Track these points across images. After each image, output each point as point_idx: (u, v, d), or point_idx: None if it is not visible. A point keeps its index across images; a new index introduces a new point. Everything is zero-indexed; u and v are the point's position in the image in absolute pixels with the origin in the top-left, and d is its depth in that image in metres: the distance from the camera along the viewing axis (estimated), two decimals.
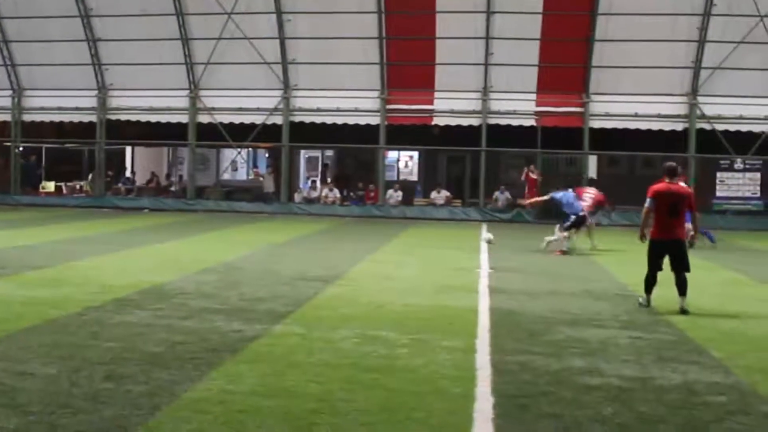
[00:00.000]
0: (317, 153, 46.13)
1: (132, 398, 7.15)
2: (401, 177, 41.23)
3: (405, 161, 43.46)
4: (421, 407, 7.21)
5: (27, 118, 38.46)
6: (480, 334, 10.40)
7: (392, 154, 41.19)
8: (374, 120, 35.02)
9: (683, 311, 12.29)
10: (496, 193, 35.37)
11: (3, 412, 6.71)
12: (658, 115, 33.20)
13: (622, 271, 16.82)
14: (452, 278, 15.85)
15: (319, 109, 35.14)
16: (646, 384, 8.21)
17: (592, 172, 34.66)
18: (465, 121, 34.62)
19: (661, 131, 33.37)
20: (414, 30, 33.76)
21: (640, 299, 12.95)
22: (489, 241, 21.03)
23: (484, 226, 29.06)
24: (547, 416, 7.09)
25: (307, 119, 35.57)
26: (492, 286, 14.62)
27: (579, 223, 21.16)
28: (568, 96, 33.88)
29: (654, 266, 12.70)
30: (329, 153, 45.44)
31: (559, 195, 21.62)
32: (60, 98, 37.08)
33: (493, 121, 34.24)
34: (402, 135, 35.53)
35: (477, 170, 35.03)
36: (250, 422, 6.69)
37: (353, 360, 8.81)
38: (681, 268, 12.51)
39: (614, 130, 33.77)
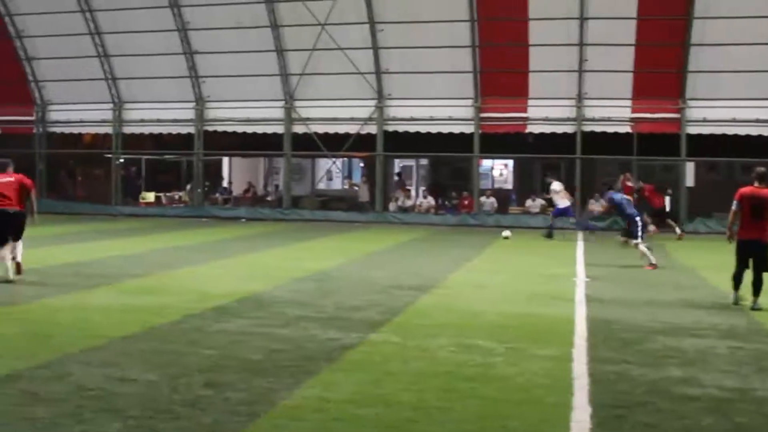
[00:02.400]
0: (411, 162, 46.24)
1: (230, 405, 7.25)
2: (496, 185, 41.06)
3: (499, 169, 43.29)
4: (517, 416, 7.18)
5: (127, 130, 39.30)
6: (576, 342, 10.30)
7: (486, 163, 41.06)
8: (468, 128, 34.92)
9: (754, 309, 12.86)
10: (592, 201, 34.97)
11: (105, 416, 6.87)
12: (757, 120, 32.46)
13: (720, 279, 16.46)
14: (547, 287, 15.73)
15: (412, 118, 35.19)
16: (745, 395, 8.04)
17: (689, 178, 34.05)
18: (559, 129, 34.30)
19: (760, 136, 32.63)
20: (506, 37, 33.55)
21: (731, 296, 13.58)
22: (506, 237, 20.49)
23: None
24: (644, 426, 7.00)
25: (401, 128, 35.65)
26: (588, 295, 14.47)
27: (644, 225, 20.41)
28: (664, 102, 33.31)
29: (740, 264, 13.39)
30: (423, 162, 45.53)
31: (618, 197, 20.46)
32: (159, 111, 37.83)
33: (587, 128, 33.87)
34: (496, 143, 35.38)
35: (572, 178, 34.69)
36: (346, 430, 6.75)
37: (449, 368, 8.80)
38: (760, 268, 13.08)
39: (711, 135, 33.12)
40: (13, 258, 15.26)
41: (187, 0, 35.42)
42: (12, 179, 16.36)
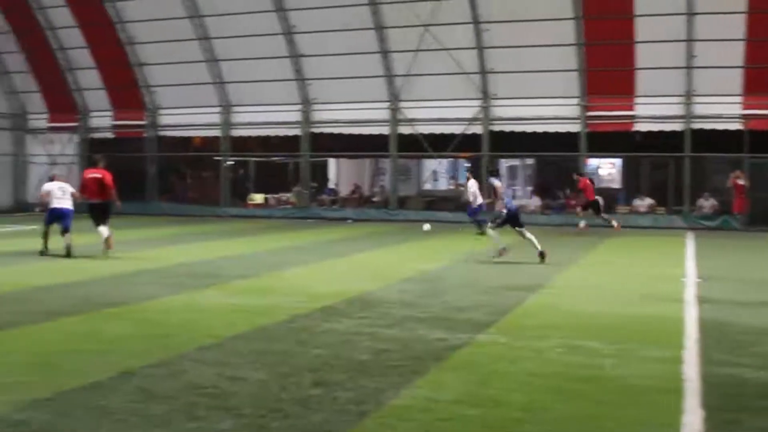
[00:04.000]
0: (517, 162, 45.99)
1: (339, 404, 7.32)
2: (603, 184, 40.56)
3: (606, 168, 42.77)
4: (626, 418, 7.10)
5: (235, 133, 39.99)
6: (687, 344, 10.11)
7: (592, 162, 40.61)
8: (574, 128, 34.61)
9: None
10: (701, 200, 34.32)
11: (217, 413, 7.01)
12: None
13: None
14: (657, 287, 15.48)
15: (518, 118, 34.99)
16: None
17: None
18: (667, 127, 33.76)
19: None
20: (612, 35, 33.13)
21: None
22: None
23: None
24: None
25: (507, 128, 35.49)
26: (699, 296, 14.20)
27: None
28: None
29: None
30: (529, 162, 45.26)
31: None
32: (266, 113, 38.37)
33: (697, 125, 33.24)
34: (603, 142, 34.95)
35: (681, 176, 34.09)
36: (454, 430, 6.75)
37: (557, 369, 8.74)
38: None
39: None
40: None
41: (293, 4, 35.84)
42: (99, 175, 20.61)
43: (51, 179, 21.92)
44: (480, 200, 28.42)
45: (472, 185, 29.23)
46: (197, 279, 15.90)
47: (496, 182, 20.91)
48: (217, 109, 39.66)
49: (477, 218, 28.34)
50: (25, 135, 44.52)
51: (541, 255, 19.25)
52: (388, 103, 36.65)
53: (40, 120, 44.11)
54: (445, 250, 23.31)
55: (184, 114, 40.12)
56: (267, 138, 40.91)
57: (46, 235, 20.47)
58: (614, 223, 28.89)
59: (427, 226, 25.78)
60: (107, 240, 20.04)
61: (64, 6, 39.56)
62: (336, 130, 38.16)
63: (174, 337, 10.29)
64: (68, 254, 19.71)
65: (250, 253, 21.53)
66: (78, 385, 7.83)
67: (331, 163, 46.15)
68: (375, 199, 41.53)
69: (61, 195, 20.66)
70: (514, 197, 37.27)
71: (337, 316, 11.74)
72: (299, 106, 38.12)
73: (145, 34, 38.99)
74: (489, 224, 20.47)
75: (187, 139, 43.21)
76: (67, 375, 8.22)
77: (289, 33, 36.54)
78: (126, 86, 40.93)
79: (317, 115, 38.24)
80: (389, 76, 36.23)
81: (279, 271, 17.65)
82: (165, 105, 40.88)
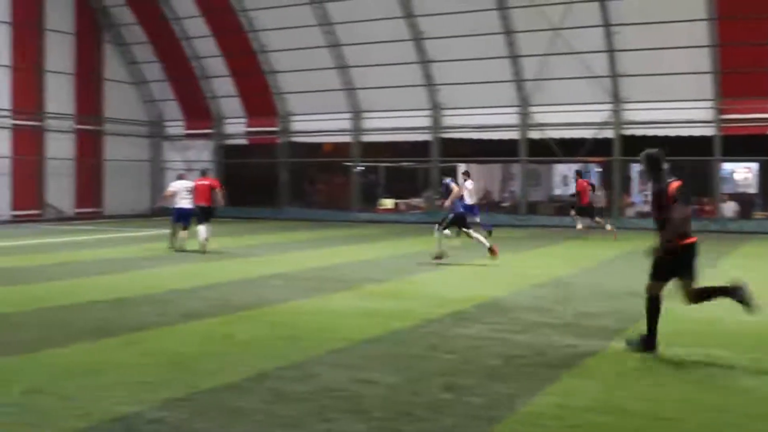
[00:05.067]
0: None
1: (470, 409, 7.32)
2: (738, 189, 39.51)
3: (742, 173, 41.66)
4: (758, 431, 6.94)
5: (365, 138, 40.34)
6: None
7: (727, 166, 39.61)
8: (708, 131, 33.82)
9: None
10: None
11: (349, 417, 7.08)
12: None
13: None
14: None
15: (650, 122, 34.36)
16: None
17: None
18: None
19: None
20: (748, 35, 32.20)
21: None
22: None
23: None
24: None
25: (638, 132, 34.86)
26: None
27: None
28: None
29: None
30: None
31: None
32: (396, 119, 38.60)
33: None
34: (738, 145, 34.05)
35: None
36: None
37: (687, 378, 8.59)
38: None
39: None
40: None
41: (421, 10, 35.96)
42: (207, 183, 23.82)
43: (179, 178, 24.58)
44: (470, 200, 29.04)
45: (469, 185, 29.52)
46: (329, 282, 16.10)
47: (452, 184, 21.10)
48: (348, 115, 40.08)
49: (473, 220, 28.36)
50: (162, 142, 45.80)
51: (491, 251, 19.97)
52: (517, 108, 36.45)
53: (176, 127, 45.35)
54: (576, 256, 23.04)
55: (315, 120, 40.66)
56: (397, 143, 41.14)
57: (174, 234, 23.15)
58: (608, 227, 28.77)
59: (447, 232, 25.81)
60: (206, 236, 22.68)
61: (199, 16, 40.58)
62: (465, 136, 38.14)
63: (306, 339, 10.44)
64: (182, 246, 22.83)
65: (382, 258, 21.68)
66: (213, 385, 8.02)
67: (461, 168, 46.06)
68: (505, 204, 41.32)
69: (186, 194, 23.26)
70: (646, 202, 36.70)
71: (468, 321, 11.73)
72: (429, 112, 38.23)
73: (277, 42, 39.69)
74: (437, 226, 20.78)
75: (318, 145, 43.76)
76: (202, 375, 8.43)
77: (418, 39, 36.69)
78: (259, 93, 41.74)
79: (447, 121, 38.28)
80: (519, 81, 36.03)
81: (410, 275, 17.72)
82: (297, 111, 41.52)
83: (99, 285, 15.79)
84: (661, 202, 9.89)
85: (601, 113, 34.88)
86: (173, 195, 23.47)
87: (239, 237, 28.46)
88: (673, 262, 9.85)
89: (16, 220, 37.71)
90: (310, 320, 11.90)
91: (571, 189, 44.57)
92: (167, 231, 24.66)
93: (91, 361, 9.08)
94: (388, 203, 42.18)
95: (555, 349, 9.89)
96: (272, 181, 41.80)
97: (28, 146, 39.35)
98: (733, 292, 9.89)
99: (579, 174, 31.07)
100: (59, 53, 40.65)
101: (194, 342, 10.32)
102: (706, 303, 10.22)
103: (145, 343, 10.17)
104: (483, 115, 36.76)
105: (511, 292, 15.01)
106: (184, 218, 23.19)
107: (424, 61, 37.19)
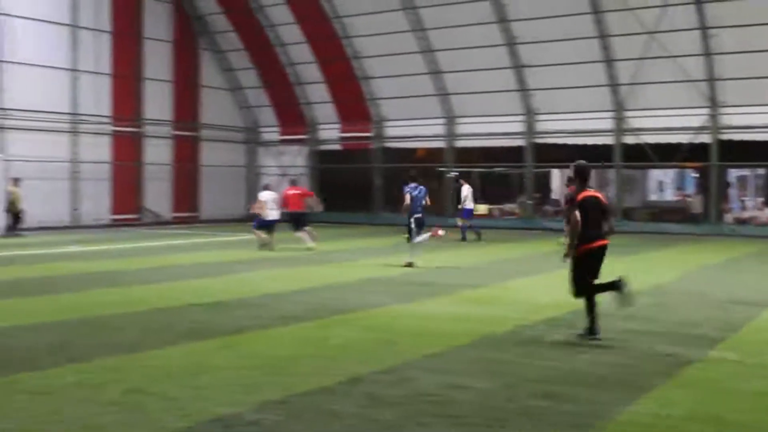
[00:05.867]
0: (747, 172, 44.32)
1: (565, 417, 7.27)
2: None
3: None
4: None
5: (459, 144, 40.29)
6: None
7: None
8: None
9: None
10: None
11: (442, 421, 7.10)
12: None
13: None
14: None
15: (748, 126, 33.64)
16: None
17: None
18: None
19: None
20: None
21: None
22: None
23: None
24: None
25: (736, 137, 34.17)
26: None
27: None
28: None
29: None
30: (761, 171, 43.53)
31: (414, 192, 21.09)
32: (489, 124, 38.47)
33: None
34: None
35: None
36: None
37: None
38: None
39: None
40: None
41: (515, 14, 35.80)
42: (298, 191, 26.08)
43: (266, 188, 26.72)
44: (471, 205, 30.74)
45: (465, 190, 30.69)
46: (424, 287, 16.14)
47: (407, 192, 21.11)
48: (441, 121, 40.09)
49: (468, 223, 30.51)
50: (258, 147, 46.37)
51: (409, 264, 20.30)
52: (612, 113, 36.02)
53: (271, 133, 45.86)
54: (675, 262, 22.72)
55: (409, 126, 40.77)
56: (490, 149, 40.98)
57: (260, 234, 25.18)
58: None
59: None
60: (309, 238, 25.11)
61: (293, 23, 40.99)
62: (559, 141, 37.81)
63: (401, 344, 10.48)
64: (270, 248, 24.80)
65: (476, 263, 21.64)
66: (308, 388, 8.11)
67: (555, 173, 45.76)
68: None
69: (273, 206, 25.27)
70: (743, 208, 36.08)
71: (562, 328, 11.66)
72: (522, 117, 38.02)
73: (371, 47, 39.90)
74: (410, 240, 20.90)
75: (411, 150, 43.80)
76: (298, 378, 8.52)
77: (511, 44, 36.52)
78: (352, 99, 42.00)
79: (540, 126, 38.03)
80: (613, 85, 35.60)
81: (504, 281, 17.67)
82: (390, 117, 41.67)
83: (196, 288, 16.07)
84: (573, 207, 10.93)
85: (697, 117, 34.23)
86: (263, 207, 24.60)
87: (334, 241, 28.64)
88: (589, 263, 11.02)
89: (115, 224, 38.55)
90: (404, 325, 11.95)
91: (668, 195, 44.12)
92: (263, 236, 25.34)
93: (189, 363, 9.26)
94: (481, 209, 42.01)
95: (652, 358, 9.77)
96: (366, 186, 42.01)
97: (127, 152, 40.20)
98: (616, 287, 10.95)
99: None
100: (157, 61, 41.47)
101: (290, 345, 10.45)
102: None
103: (242, 346, 10.32)
104: (577, 120, 36.43)
105: (607, 298, 14.82)
106: (267, 227, 25.25)
107: (518, 66, 37.00)
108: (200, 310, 13.21)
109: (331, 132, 43.93)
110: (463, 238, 29.80)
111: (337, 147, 44.27)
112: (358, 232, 32.29)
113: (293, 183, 27.75)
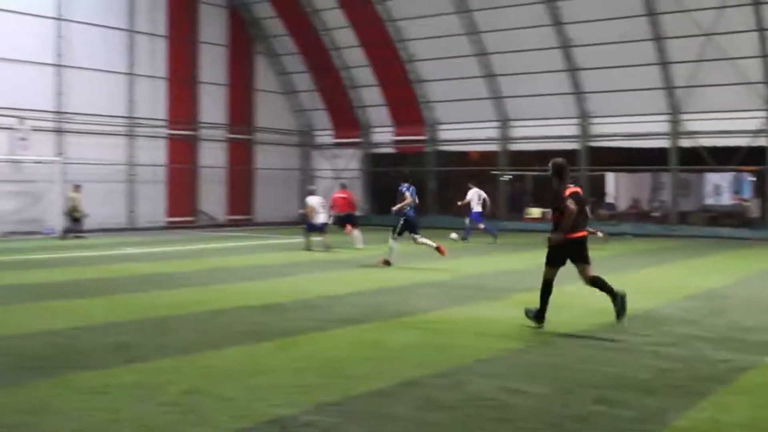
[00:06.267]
0: None
1: (621, 423, 7.24)
2: None
3: None
4: None
5: (513, 147, 40.18)
6: None
7: None
8: None
9: None
10: None
11: (498, 425, 7.12)
12: None
13: None
14: None
15: None
16: None
17: None
18: None
19: None
20: None
21: None
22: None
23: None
24: None
25: None
26: None
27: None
28: None
29: None
30: None
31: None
32: (543, 127, 38.33)
33: None
34: None
35: None
36: None
37: None
38: None
39: None
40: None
41: (570, 17, 35.64)
42: (345, 195, 27.92)
43: (311, 193, 27.81)
44: (479, 208, 31.11)
45: (472, 194, 31.13)
46: (479, 291, 16.14)
47: (406, 192, 21.98)
48: (495, 124, 40.01)
49: (474, 225, 31.18)
50: (312, 150, 46.61)
51: (439, 250, 21.47)
52: (667, 116, 35.70)
53: (325, 136, 46.08)
54: (729, 267, 22.50)
55: (462, 129, 40.74)
56: (544, 152, 40.77)
57: (308, 237, 26.16)
58: (599, 234, 28.43)
59: (453, 235, 29.40)
60: (356, 238, 26.78)
61: (348, 27, 41.16)
62: (614, 144, 37.56)
63: (457, 348, 10.50)
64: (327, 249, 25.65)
65: (530, 267, 21.51)
66: (364, 391, 8.16)
67: (609, 177, 45.49)
68: (655, 214, 40.56)
69: (321, 210, 26.25)
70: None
71: (618, 333, 11.57)
72: (576, 120, 37.84)
73: (425, 51, 39.95)
74: (392, 234, 21.62)
75: (465, 154, 43.76)
76: (354, 381, 8.58)
77: (566, 46, 36.36)
78: (406, 102, 42.07)
79: (595, 129, 37.80)
80: (669, 88, 35.30)
81: (559, 285, 17.51)
82: (444, 120, 41.69)
83: (251, 290, 16.21)
84: (556, 203, 12.28)
85: (755, 120, 33.83)
86: (313, 211, 26.17)
87: (387, 244, 28.69)
88: (562, 253, 12.09)
89: (170, 227, 38.97)
90: (460, 329, 11.96)
91: (724, 199, 43.61)
92: (315, 239, 25.65)
93: (246, 364, 9.37)
94: (535, 212, 41.89)
95: (708, 363, 9.70)
96: (420, 190, 41.96)
97: (183, 155, 40.65)
98: (614, 297, 11.64)
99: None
100: (213, 65, 41.90)
101: (346, 347, 10.52)
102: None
103: (298, 348, 10.40)
104: (632, 123, 36.15)
105: (663, 303, 14.75)
106: (318, 229, 26.19)
107: (572, 69, 36.83)
108: (256, 312, 13.33)
109: (384, 135, 44.07)
110: (465, 237, 30.62)
111: (390, 150, 44.37)
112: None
113: (343, 187, 29.45)
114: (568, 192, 12.20)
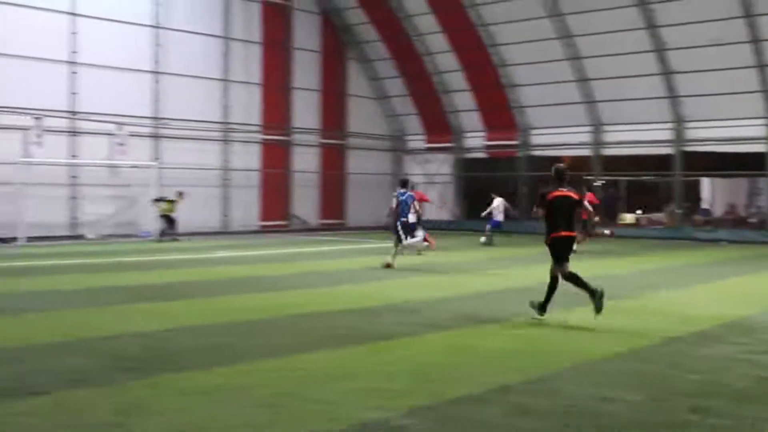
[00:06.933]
0: None
1: None
2: None
3: None
4: None
5: (605, 152, 39.74)
6: None
7: None
8: None
9: None
10: None
11: None
12: None
13: None
14: None
15: None
16: None
17: None
18: None
19: None
20: None
21: None
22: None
23: None
24: None
25: None
26: None
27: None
28: None
29: None
30: None
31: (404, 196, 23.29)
32: (636, 132, 37.82)
33: None
34: None
35: None
36: None
37: None
38: None
39: None
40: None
41: (664, 20, 35.10)
42: (414, 193, 25.37)
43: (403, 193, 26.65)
44: (500, 217, 32.28)
45: (497, 203, 32.42)
46: (570, 297, 15.94)
47: (411, 198, 23.45)
48: (588, 129, 39.62)
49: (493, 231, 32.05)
50: (403, 155, 46.69)
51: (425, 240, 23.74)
52: (765, 120, 34.94)
53: (417, 141, 46.14)
54: None
55: (555, 134, 40.44)
56: (637, 157, 40.29)
57: (398, 242, 24.96)
58: (606, 231, 29.36)
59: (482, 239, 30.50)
60: (426, 243, 26.48)
61: (440, 32, 41.18)
62: (709, 149, 36.89)
63: (548, 354, 10.46)
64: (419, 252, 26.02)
65: (623, 274, 21.34)
66: (456, 396, 8.16)
67: (705, 182, 44.67)
68: (751, 220, 39.74)
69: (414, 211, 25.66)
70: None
71: (712, 341, 11.42)
72: (671, 125, 37.25)
73: (517, 55, 39.77)
74: (404, 240, 22.72)
75: (557, 159, 43.32)
76: (445, 385, 8.60)
77: (660, 50, 35.83)
78: (498, 107, 41.91)
79: (690, 134, 37.16)
80: (766, 91, 34.53)
81: (651, 292, 17.36)
82: (536, 125, 41.42)
83: (343, 294, 16.36)
84: (540, 204, 13.25)
85: None
86: (398, 208, 25.34)
87: (479, 250, 28.66)
88: (560, 249, 13.19)
89: (263, 231, 39.40)
90: (551, 335, 11.91)
91: None
92: (407, 242, 25.68)
93: (338, 367, 9.45)
94: (628, 218, 41.37)
95: None
96: (511, 195, 41.82)
97: (276, 160, 41.09)
98: (593, 294, 12.78)
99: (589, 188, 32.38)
100: (306, 71, 42.28)
101: (438, 352, 10.54)
102: None
103: (390, 352, 10.46)
104: (728, 128, 35.43)
105: (760, 311, 14.47)
106: (409, 229, 25.65)
107: (667, 72, 36.27)
108: (347, 316, 13.45)
109: (476, 140, 43.94)
110: (489, 242, 31.60)
111: (482, 155, 44.24)
112: (504, 240, 32.16)
113: (412, 188, 29.21)
114: (551, 196, 13.21)
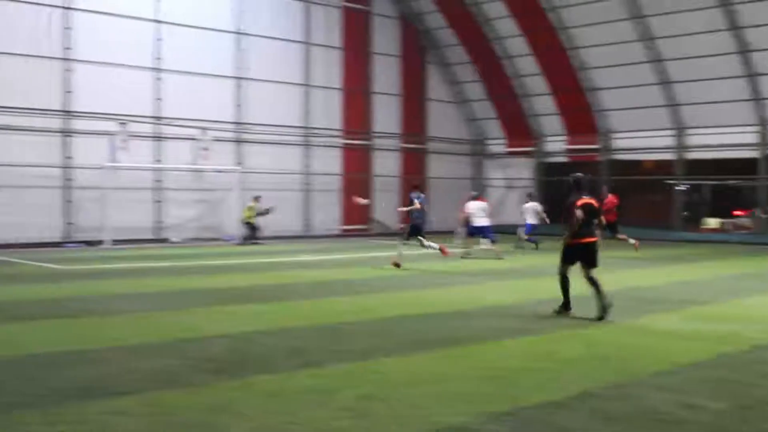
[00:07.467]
0: None
1: None
2: None
3: None
4: None
5: (689, 156, 39.19)
6: None
7: None
8: None
9: None
10: None
11: None
12: None
13: None
14: None
15: None
16: None
17: None
18: None
19: None
20: None
21: None
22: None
23: None
24: None
25: None
26: None
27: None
28: None
29: None
30: None
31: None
32: (720, 135, 37.24)
33: None
34: None
35: None
36: None
37: None
38: None
39: None
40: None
41: (748, 21, 34.51)
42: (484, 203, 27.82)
43: (475, 199, 28.28)
44: (533, 220, 31.80)
45: (528, 206, 32.14)
46: (651, 303, 15.85)
47: (416, 201, 24.93)
48: (670, 132, 39.12)
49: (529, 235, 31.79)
50: (484, 160, 46.59)
51: (441, 251, 24.56)
52: None
53: (498, 145, 46.00)
54: None
55: (637, 137, 40.03)
56: (721, 160, 39.66)
57: (468, 245, 26.91)
58: (631, 240, 28.47)
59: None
60: (492, 248, 27.00)
61: (519, 35, 41.02)
62: None
63: (629, 361, 10.37)
64: (498, 257, 26.40)
65: (706, 279, 21.06)
66: (536, 401, 8.15)
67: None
68: None
69: (482, 214, 26.87)
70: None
71: None
72: (756, 128, 36.61)
73: (598, 58, 39.43)
74: (421, 240, 24.38)
75: (638, 162, 42.96)
76: (524, 391, 8.60)
77: (744, 51, 35.24)
78: (579, 111, 41.60)
79: None
80: None
81: (738, 298, 17.10)
82: (617, 128, 41.03)
83: (422, 298, 16.40)
84: (569, 211, 13.85)
85: None
86: (468, 214, 27.09)
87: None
88: (572, 253, 13.91)
89: (344, 234, 39.65)
90: (633, 340, 11.80)
91: None
92: (488, 246, 25.82)
93: (419, 371, 9.49)
94: (712, 223, 40.74)
95: None
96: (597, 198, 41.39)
97: (357, 164, 41.33)
98: (602, 299, 13.57)
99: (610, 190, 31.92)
100: (386, 75, 42.46)
101: (518, 357, 10.53)
102: None
103: (471, 357, 10.48)
104: None
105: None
106: (479, 232, 27.09)
107: (751, 74, 35.66)
108: (428, 320, 13.49)
109: (557, 144, 43.67)
110: (534, 245, 31.26)
111: (563, 159, 43.94)
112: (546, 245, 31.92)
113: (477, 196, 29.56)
114: (579, 203, 13.83)
